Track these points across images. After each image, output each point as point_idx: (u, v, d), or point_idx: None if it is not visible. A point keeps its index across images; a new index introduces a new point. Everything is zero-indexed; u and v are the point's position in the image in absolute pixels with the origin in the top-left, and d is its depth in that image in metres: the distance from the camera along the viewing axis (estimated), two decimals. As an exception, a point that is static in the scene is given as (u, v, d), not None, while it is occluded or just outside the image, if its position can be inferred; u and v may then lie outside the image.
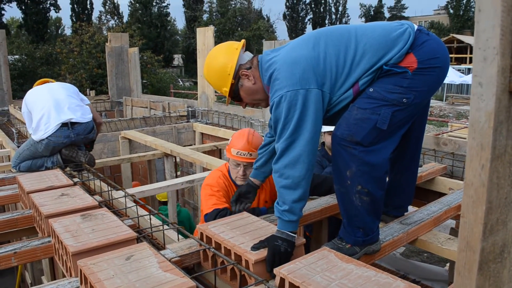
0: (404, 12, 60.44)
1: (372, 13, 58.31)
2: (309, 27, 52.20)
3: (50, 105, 3.59)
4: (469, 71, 29.46)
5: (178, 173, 8.64)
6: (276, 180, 1.87)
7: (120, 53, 11.39)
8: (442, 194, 3.27)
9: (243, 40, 2.14)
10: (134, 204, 2.67)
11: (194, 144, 7.00)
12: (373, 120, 1.83)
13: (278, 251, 1.77)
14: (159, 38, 38.22)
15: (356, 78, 1.87)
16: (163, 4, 40.30)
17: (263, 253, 1.77)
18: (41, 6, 33.89)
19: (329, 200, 2.68)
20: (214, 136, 6.66)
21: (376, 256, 2.09)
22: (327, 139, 3.34)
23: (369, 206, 1.90)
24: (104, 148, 6.14)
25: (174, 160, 6.22)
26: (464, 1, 49.09)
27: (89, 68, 20.11)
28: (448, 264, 4.69)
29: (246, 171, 2.59)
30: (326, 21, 52.99)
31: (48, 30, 36.61)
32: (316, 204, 2.62)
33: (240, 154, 2.56)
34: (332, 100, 1.90)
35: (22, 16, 33.90)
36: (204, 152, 5.44)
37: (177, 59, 44.42)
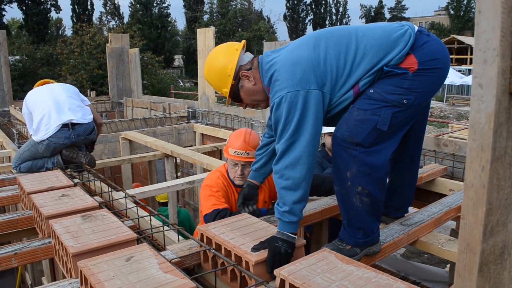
0: (405, 13, 60.47)
1: (373, 14, 58.34)
2: (309, 28, 52.25)
3: (51, 106, 3.60)
4: (469, 72, 29.44)
5: (179, 174, 8.64)
6: (277, 181, 1.87)
7: (120, 53, 11.41)
8: (442, 195, 3.27)
9: (243, 41, 2.14)
10: (135, 205, 2.67)
11: (195, 145, 7.00)
12: (374, 121, 1.83)
13: (279, 252, 1.77)
14: (160, 39, 38.26)
15: (356, 79, 1.87)
16: (164, 5, 40.38)
17: (263, 254, 1.77)
18: (42, 6, 33.94)
19: (330, 201, 2.68)
20: (215, 137, 6.66)
21: (377, 257, 2.09)
22: (327, 140, 3.34)
23: (369, 207, 1.90)
24: (105, 149, 6.14)
25: (174, 161, 6.22)
26: (465, 2, 49.09)
27: (90, 68, 20.13)
28: (448, 265, 4.68)
29: (244, 171, 2.60)
30: (327, 22, 53.03)
31: (49, 31, 36.68)
32: (316, 205, 2.61)
33: (237, 154, 2.56)
34: (333, 101, 1.90)
35: (23, 16, 33.96)
36: (205, 153, 5.44)
37: (178, 60, 44.46)
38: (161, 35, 38.53)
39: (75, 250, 1.87)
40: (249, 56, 2.10)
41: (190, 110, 8.20)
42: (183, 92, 21.65)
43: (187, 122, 7.76)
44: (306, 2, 51.89)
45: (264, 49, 6.73)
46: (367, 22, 56.34)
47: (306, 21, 52.40)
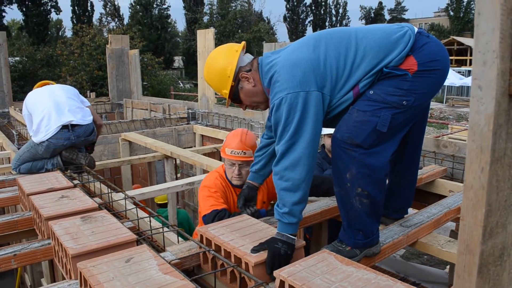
0: (404, 14, 60.57)
1: (373, 15, 58.42)
2: (309, 29, 52.31)
3: (51, 107, 3.60)
4: (469, 73, 29.45)
5: (178, 175, 8.64)
6: (276, 183, 1.87)
7: (120, 55, 11.41)
8: (442, 196, 3.27)
9: (243, 42, 2.15)
10: (134, 206, 2.67)
11: (194, 146, 7.01)
12: (373, 123, 1.83)
13: (278, 254, 1.77)
14: (160, 40, 38.29)
15: (356, 80, 1.88)
16: (164, 6, 40.45)
17: (263, 255, 1.77)
18: (42, 8, 33.96)
19: (329, 202, 2.68)
20: (214, 138, 6.67)
21: (376, 258, 2.09)
22: (327, 142, 3.34)
23: (369, 208, 1.90)
24: (104, 150, 6.14)
25: (174, 162, 6.22)
26: (465, 3, 49.14)
27: (90, 70, 20.14)
28: (448, 267, 4.68)
29: (242, 170, 2.61)
30: (327, 23, 53.07)
31: (49, 32, 36.68)
32: (316, 207, 2.61)
33: (234, 153, 2.57)
34: (332, 103, 1.91)
35: (23, 18, 33.97)
36: (204, 154, 5.44)
37: (178, 61, 44.50)
38: (161, 37, 38.57)
39: (75, 252, 1.87)
40: (248, 57, 2.10)
41: (190, 111, 8.20)
42: (183, 93, 21.67)
43: (187, 123, 7.76)
44: (306, 3, 51.99)
45: (264, 51, 6.74)
46: (367, 23, 56.39)
47: (306, 22, 52.47)
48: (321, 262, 1.68)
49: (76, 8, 36.36)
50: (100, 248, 1.93)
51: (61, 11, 35.83)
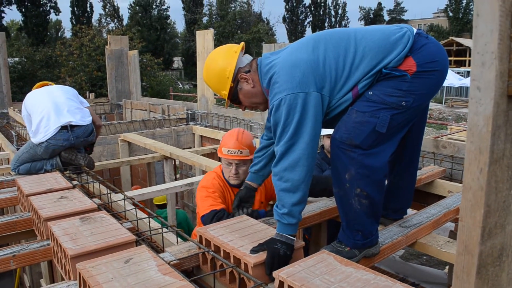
0: (404, 15, 60.63)
1: (372, 16, 58.46)
2: (308, 30, 52.36)
3: (50, 108, 3.60)
4: (468, 74, 29.49)
5: (178, 175, 8.64)
6: (276, 183, 1.87)
7: (119, 55, 11.40)
8: (441, 197, 3.27)
9: (242, 43, 2.15)
10: (133, 207, 2.67)
11: (194, 147, 7.00)
12: (372, 123, 1.83)
13: (277, 254, 1.77)
14: (159, 40, 38.29)
15: (355, 81, 1.88)
16: (163, 7, 40.49)
17: (262, 256, 1.77)
18: (41, 8, 33.96)
19: (328, 203, 2.68)
20: (214, 138, 6.66)
21: (375, 259, 2.09)
22: (326, 142, 3.34)
23: (368, 209, 1.90)
24: (104, 150, 6.14)
25: (173, 163, 6.22)
26: (464, 4, 49.21)
27: (89, 70, 20.14)
28: (447, 267, 4.68)
29: (239, 170, 2.62)
30: (326, 24, 53.11)
31: (48, 33, 36.66)
32: (315, 207, 2.62)
33: (230, 153, 2.58)
34: (332, 103, 1.91)
35: (22, 18, 33.96)
36: (204, 155, 5.45)
37: (177, 62, 44.49)
38: (160, 37, 38.57)
39: (74, 252, 1.87)
40: (248, 58, 2.10)
41: (189, 112, 8.20)
42: (182, 94, 21.65)
43: (186, 124, 7.76)
44: (305, 4, 52.05)
45: (263, 51, 6.75)
46: (366, 24, 56.45)
47: (305, 23, 52.52)
48: (320, 262, 1.68)
49: (75, 9, 36.35)
50: (99, 248, 1.93)
51: (60, 12, 35.85)
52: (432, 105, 26.00)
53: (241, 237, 1.95)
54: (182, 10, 42.70)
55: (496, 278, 1.07)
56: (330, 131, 2.43)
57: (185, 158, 4.95)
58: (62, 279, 2.04)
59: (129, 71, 11.59)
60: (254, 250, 1.79)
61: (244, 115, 6.89)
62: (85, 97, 10.67)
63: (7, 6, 32.93)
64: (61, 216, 2.37)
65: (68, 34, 43.84)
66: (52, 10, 35.14)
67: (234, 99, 2.11)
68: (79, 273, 1.68)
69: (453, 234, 3.78)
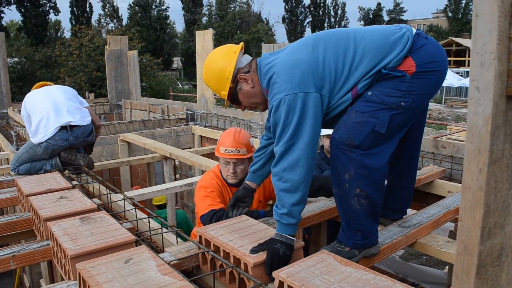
0: (403, 15, 60.64)
1: (371, 16, 58.45)
2: (308, 30, 52.35)
3: (49, 108, 3.60)
4: (467, 74, 29.50)
5: (177, 176, 8.64)
6: (275, 184, 1.87)
7: (119, 56, 11.40)
8: (441, 197, 3.28)
9: (241, 43, 2.15)
10: (133, 207, 2.67)
11: (193, 147, 7.00)
12: (372, 124, 1.83)
13: (277, 254, 1.77)
14: (159, 41, 38.29)
15: (355, 81, 1.88)
16: (163, 7, 40.47)
17: (262, 256, 1.77)
18: (41, 9, 33.94)
19: (328, 203, 2.69)
20: (213, 139, 6.66)
21: (375, 259, 2.10)
22: (326, 143, 3.34)
23: (367, 209, 1.90)
24: (103, 151, 6.14)
25: (173, 163, 6.22)
26: (463, 5, 49.20)
27: (88, 71, 20.13)
28: (447, 267, 4.68)
29: (236, 168, 2.63)
30: (325, 24, 53.11)
31: (48, 33, 36.63)
32: (315, 207, 2.62)
33: (228, 152, 2.60)
34: (331, 104, 1.91)
35: (22, 19, 33.93)
36: (203, 155, 5.45)
37: (176, 62, 44.48)
38: (159, 37, 38.57)
39: (74, 252, 1.87)
40: (247, 58, 2.10)
41: (188, 112, 8.20)
42: (182, 94, 21.65)
43: (186, 124, 7.76)
44: (304, 4, 52.04)
45: (263, 51, 6.74)
46: (365, 24, 56.45)
47: (305, 23, 52.50)
48: (320, 262, 1.68)
49: (75, 9, 36.32)
50: (99, 249, 1.93)
51: (59, 12, 35.84)
52: (432, 105, 26.02)
53: (241, 237, 1.95)
54: (181, 10, 42.70)
55: (496, 278, 1.07)
56: (329, 131, 2.43)
57: (185, 158, 4.95)
58: (62, 279, 2.04)
59: (128, 71, 11.58)
60: (254, 250, 1.80)
61: (244, 115, 6.89)
62: (84, 97, 10.66)
63: (7, 6, 32.93)
64: (61, 216, 2.37)
65: (67, 34, 43.85)
66: (51, 10, 35.14)
67: (233, 99, 2.11)
68: (79, 273, 1.68)
69: (452, 234, 3.79)
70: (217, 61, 2.07)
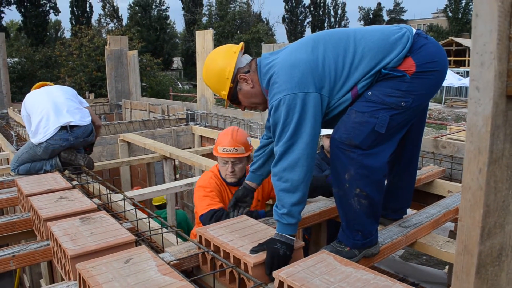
0: (403, 15, 60.63)
1: (371, 16, 58.44)
2: (308, 30, 52.34)
3: (49, 108, 3.60)
4: (468, 74, 29.48)
5: (177, 176, 8.64)
6: (275, 184, 1.87)
7: (119, 56, 11.40)
8: (441, 197, 3.28)
9: (241, 43, 2.15)
10: (133, 207, 2.67)
11: (193, 147, 7.00)
12: (372, 124, 1.83)
13: (277, 254, 1.77)
14: (159, 41, 38.29)
15: (354, 81, 1.88)
16: (163, 7, 40.48)
17: (262, 256, 1.77)
18: (41, 9, 33.94)
19: (328, 203, 2.69)
20: (213, 139, 6.66)
21: (375, 259, 2.10)
22: (326, 143, 3.34)
23: (367, 209, 1.90)
24: (103, 151, 6.14)
25: (173, 163, 6.22)
26: (463, 4, 49.19)
27: (88, 71, 20.13)
28: (447, 267, 4.68)
29: (235, 167, 2.63)
30: (325, 24, 53.10)
31: (48, 33, 36.64)
32: (315, 207, 2.62)
33: (226, 151, 2.60)
34: (331, 104, 1.91)
35: (22, 19, 33.93)
36: (203, 155, 5.45)
37: (176, 62, 44.48)
38: (160, 37, 38.57)
39: (74, 253, 1.87)
40: (247, 58, 2.10)
41: (188, 112, 8.20)
42: (182, 94, 21.66)
43: (186, 124, 7.76)
44: (304, 4, 52.04)
45: (263, 51, 6.74)
46: (365, 24, 56.44)
47: (305, 23, 52.49)
48: (320, 262, 1.68)
49: (75, 9, 36.32)
50: (99, 249, 1.93)
51: (60, 12, 35.85)
52: (432, 105, 26.02)
53: (241, 237, 1.95)
54: (181, 10, 42.70)
55: (496, 278, 1.07)
56: (329, 131, 2.43)
57: (185, 158, 4.95)
58: (62, 280, 2.04)
59: (128, 71, 11.59)
60: (254, 250, 1.80)
61: (244, 115, 6.89)
62: (84, 97, 10.66)
63: (7, 7, 32.94)
64: (61, 216, 2.37)
65: (67, 34, 43.84)
66: (51, 11, 35.15)
67: (233, 99, 2.11)
68: (79, 274, 1.68)
69: (452, 234, 3.79)
70: (217, 61, 2.07)
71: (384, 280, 1.54)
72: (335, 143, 1.90)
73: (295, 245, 1.86)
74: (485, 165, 0.95)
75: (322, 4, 52.76)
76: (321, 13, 53.04)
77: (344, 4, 55.65)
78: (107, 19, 39.43)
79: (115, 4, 40.26)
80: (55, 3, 34.95)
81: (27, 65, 22.96)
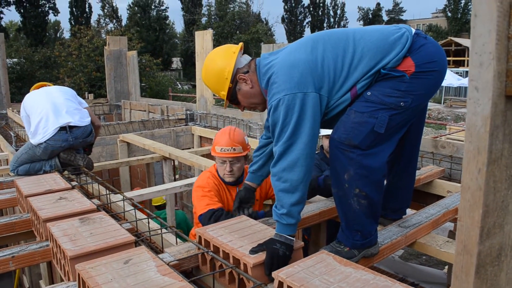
0: (402, 15, 60.64)
1: (370, 16, 58.44)
2: (307, 30, 52.33)
3: (48, 109, 3.59)
4: (467, 74, 29.50)
5: (177, 176, 8.63)
6: (274, 184, 1.87)
7: (118, 56, 11.39)
8: (440, 197, 3.28)
9: (241, 43, 2.15)
10: (133, 208, 2.67)
11: (193, 147, 7.00)
12: (371, 124, 1.83)
13: (277, 255, 1.77)
14: (158, 41, 38.28)
15: (354, 81, 1.88)
16: (162, 8, 40.43)
17: (261, 256, 1.77)
18: (40, 9, 33.89)
19: (328, 203, 2.69)
20: (213, 139, 6.66)
21: (375, 259, 2.10)
22: (325, 143, 3.34)
23: (367, 209, 1.90)
24: (103, 151, 6.14)
25: (172, 164, 6.21)
26: (462, 4, 49.22)
27: (88, 71, 20.12)
28: (446, 267, 4.69)
29: (233, 167, 2.64)
30: (325, 25, 53.09)
31: (47, 34, 36.59)
32: (314, 208, 2.62)
33: (223, 151, 2.61)
34: (330, 104, 1.91)
35: (21, 19, 33.89)
36: (203, 155, 5.44)
37: (176, 62, 44.47)
38: (159, 38, 38.55)
39: (73, 253, 1.87)
40: (246, 58, 2.10)
41: (188, 112, 8.20)
42: (181, 95, 21.65)
43: (185, 125, 7.76)
44: (304, 4, 52.00)
45: (262, 52, 6.74)
46: (365, 24, 56.44)
47: (304, 23, 52.46)
48: (320, 263, 1.68)
49: (74, 9, 36.27)
50: (98, 249, 1.93)
51: (59, 12, 35.77)
52: (431, 105, 26.03)
53: (241, 237, 1.95)
54: (181, 10, 42.68)
55: (495, 278, 1.07)
56: (329, 132, 2.43)
57: (184, 159, 4.95)
58: (62, 280, 2.04)
59: (128, 71, 11.58)
60: (254, 251, 1.80)
61: (243, 115, 6.89)
62: (84, 98, 10.67)
63: (6, 7, 32.87)
64: (60, 217, 2.37)
65: (67, 34, 43.76)
66: (50, 11, 35.07)
67: (232, 99, 2.11)
68: (79, 274, 1.68)
69: (452, 234, 3.79)
70: (216, 61, 2.07)
71: (384, 280, 1.54)
72: (334, 143, 1.90)
73: (295, 245, 1.86)
74: (484, 165, 0.95)
75: (321, 4, 52.75)
76: (320, 13, 53.03)
77: (344, 4, 55.69)
78: (106, 20, 39.44)
79: (114, 4, 40.25)
80: (54, 4, 34.91)
81: (26, 65, 22.94)
